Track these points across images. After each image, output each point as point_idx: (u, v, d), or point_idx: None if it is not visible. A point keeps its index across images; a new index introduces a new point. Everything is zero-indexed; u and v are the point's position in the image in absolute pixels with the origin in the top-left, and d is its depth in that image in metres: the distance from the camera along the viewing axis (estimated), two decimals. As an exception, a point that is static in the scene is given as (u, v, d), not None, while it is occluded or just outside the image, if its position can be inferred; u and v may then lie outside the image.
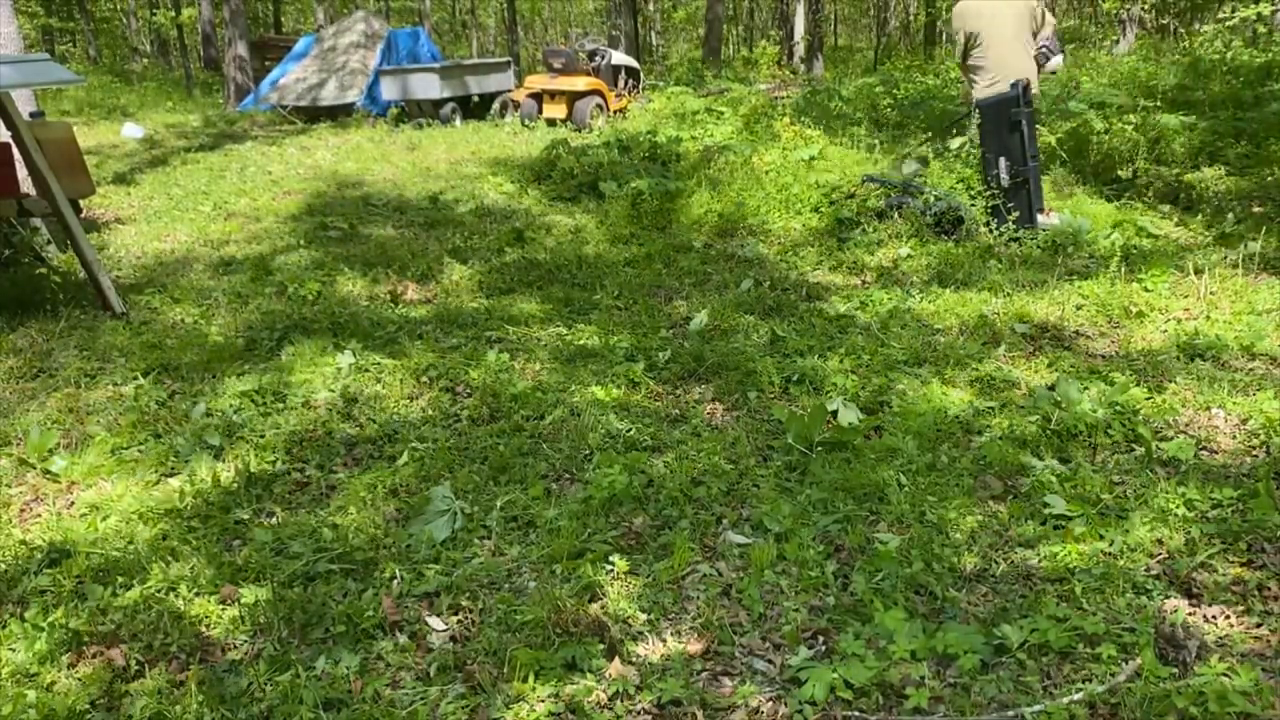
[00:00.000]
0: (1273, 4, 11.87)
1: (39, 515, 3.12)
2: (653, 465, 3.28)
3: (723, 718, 2.21)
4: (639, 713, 2.22)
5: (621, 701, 2.24)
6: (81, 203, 7.29)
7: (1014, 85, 6.11)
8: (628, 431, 3.56)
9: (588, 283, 5.48)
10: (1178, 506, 2.93)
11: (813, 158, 7.70)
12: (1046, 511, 2.94)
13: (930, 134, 7.64)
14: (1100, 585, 2.59)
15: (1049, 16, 6.62)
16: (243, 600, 2.61)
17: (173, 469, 3.38)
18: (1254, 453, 3.31)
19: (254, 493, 3.21)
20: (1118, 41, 16.04)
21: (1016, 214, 5.85)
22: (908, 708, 2.20)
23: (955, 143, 7.36)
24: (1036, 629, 2.39)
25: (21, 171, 5.98)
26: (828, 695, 2.22)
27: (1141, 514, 2.90)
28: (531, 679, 2.29)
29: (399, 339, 4.58)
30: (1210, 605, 2.53)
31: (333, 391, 3.96)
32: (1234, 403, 3.60)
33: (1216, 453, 3.33)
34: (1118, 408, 3.50)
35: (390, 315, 4.94)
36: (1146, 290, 4.90)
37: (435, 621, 2.55)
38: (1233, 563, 2.69)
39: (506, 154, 10.20)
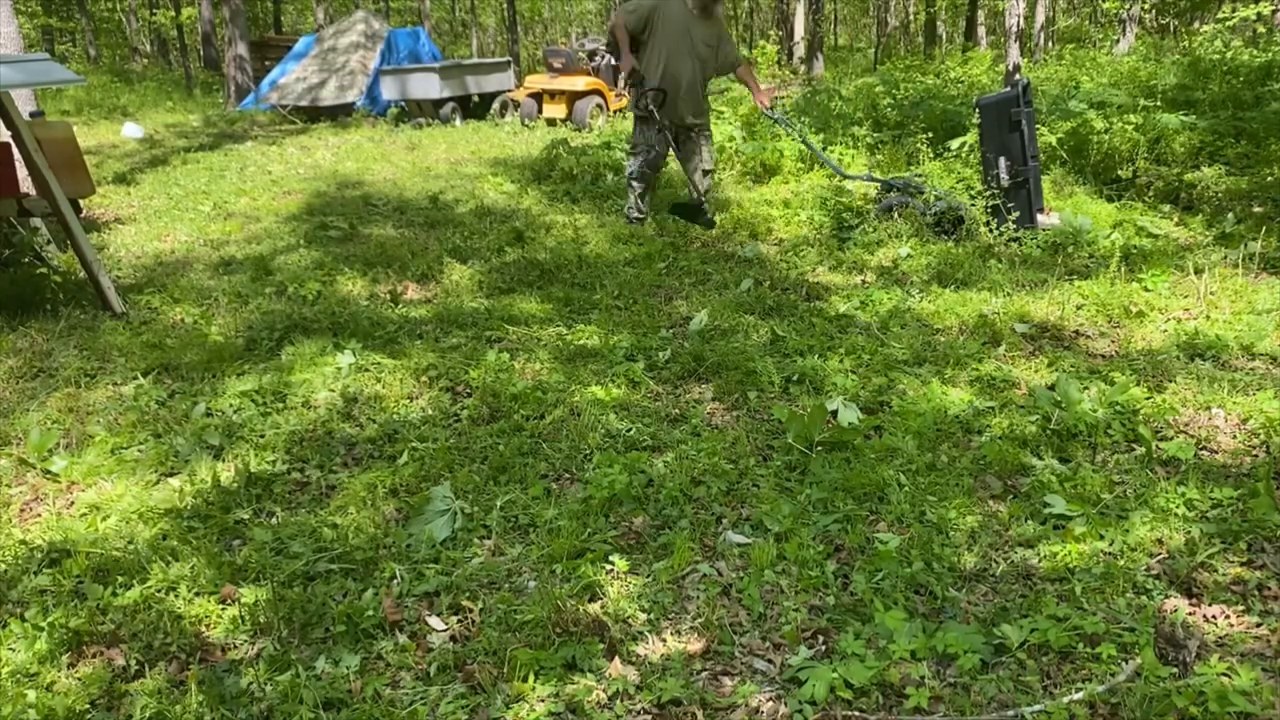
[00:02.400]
0: (1273, 4, 11.87)
1: (39, 515, 3.12)
2: (653, 465, 3.28)
3: (723, 717, 2.21)
4: (639, 712, 2.22)
5: (621, 701, 2.24)
6: (81, 203, 7.29)
7: (1015, 84, 6.11)
8: (628, 431, 3.56)
9: (588, 282, 5.48)
10: (1178, 506, 2.93)
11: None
12: (1046, 511, 2.94)
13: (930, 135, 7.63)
14: (1100, 585, 2.59)
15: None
16: (243, 600, 2.61)
17: (173, 469, 3.38)
18: (1254, 453, 3.31)
19: (254, 493, 3.21)
20: (1118, 41, 16.04)
21: (1017, 214, 5.84)
22: (908, 707, 2.20)
23: (955, 142, 7.37)
24: (1036, 629, 2.39)
25: (21, 171, 5.98)
26: (828, 695, 2.22)
27: (1141, 514, 2.90)
28: (531, 679, 2.29)
29: (399, 339, 4.58)
30: (1210, 605, 2.53)
31: (333, 391, 3.96)
32: (1234, 403, 3.60)
33: (1216, 453, 3.33)
34: (1118, 408, 3.50)
35: (390, 315, 4.94)
36: (1146, 290, 4.90)
37: (435, 621, 2.55)
38: (1233, 563, 2.69)
39: (506, 154, 10.20)
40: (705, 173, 6.62)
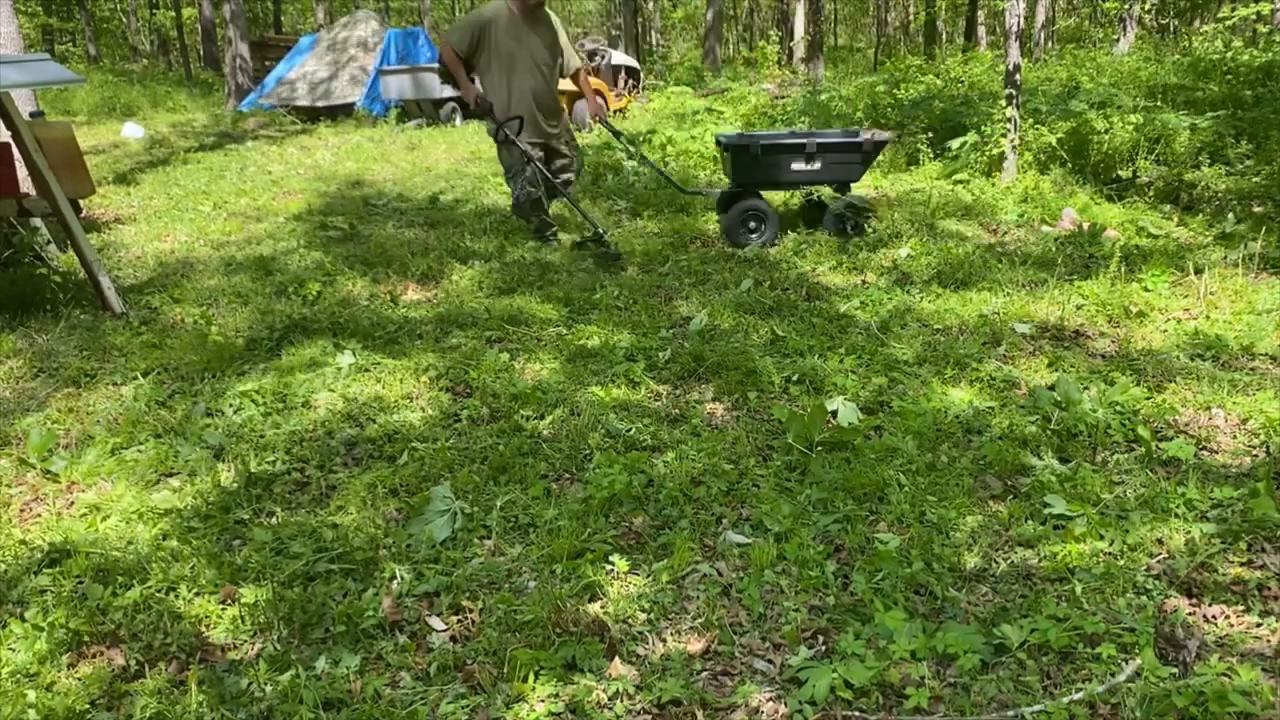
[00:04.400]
0: (1273, 4, 11.86)
1: (39, 515, 3.12)
2: (653, 465, 3.28)
3: (723, 718, 2.21)
4: (639, 712, 2.22)
5: (621, 701, 2.24)
6: (81, 203, 7.29)
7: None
8: (628, 431, 3.56)
9: (588, 283, 5.48)
10: (1178, 506, 2.93)
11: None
12: (1046, 511, 2.94)
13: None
14: (1100, 585, 2.59)
15: None
16: (243, 600, 2.61)
17: (173, 469, 3.38)
18: (1254, 453, 3.31)
19: (254, 493, 3.21)
20: (1118, 41, 16.04)
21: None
22: (908, 708, 2.20)
23: (955, 142, 7.36)
24: (1036, 629, 2.39)
25: (21, 171, 5.98)
26: (828, 695, 2.22)
27: (1141, 514, 2.90)
28: (531, 679, 2.29)
29: (399, 339, 4.58)
30: (1210, 605, 2.53)
31: (333, 391, 3.95)
32: (1234, 403, 3.60)
33: (1216, 453, 3.33)
34: (1118, 408, 3.50)
35: (390, 315, 4.93)
36: (1147, 290, 4.90)
37: (435, 621, 2.55)
38: (1233, 563, 2.69)
39: (506, 154, 10.18)
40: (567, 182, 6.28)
